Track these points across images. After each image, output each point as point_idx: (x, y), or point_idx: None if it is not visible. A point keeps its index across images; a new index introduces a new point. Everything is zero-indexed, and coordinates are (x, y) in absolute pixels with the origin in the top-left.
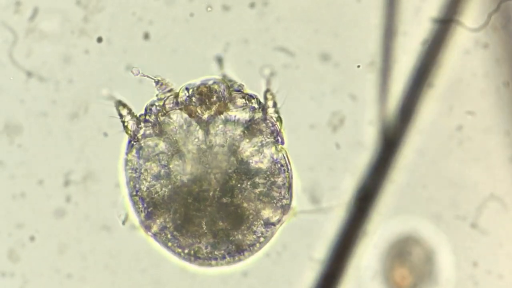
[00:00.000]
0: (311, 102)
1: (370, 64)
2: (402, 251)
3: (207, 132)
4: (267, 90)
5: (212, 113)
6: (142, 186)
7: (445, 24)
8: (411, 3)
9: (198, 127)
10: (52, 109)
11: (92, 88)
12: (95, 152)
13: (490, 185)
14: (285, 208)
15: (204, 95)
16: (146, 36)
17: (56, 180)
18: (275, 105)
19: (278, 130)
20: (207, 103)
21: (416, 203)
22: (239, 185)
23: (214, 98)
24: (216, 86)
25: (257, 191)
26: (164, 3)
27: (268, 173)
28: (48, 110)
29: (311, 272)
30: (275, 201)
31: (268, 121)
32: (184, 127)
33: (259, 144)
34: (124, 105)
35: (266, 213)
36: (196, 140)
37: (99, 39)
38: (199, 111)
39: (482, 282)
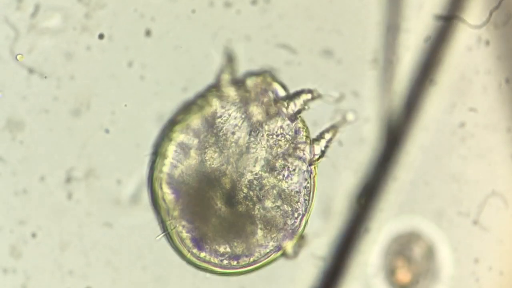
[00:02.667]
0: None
1: (373, 61)
2: (404, 247)
3: (252, 134)
4: (334, 127)
5: (261, 107)
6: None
7: (447, 21)
8: (414, 0)
9: (244, 124)
10: (53, 105)
11: (93, 84)
12: (97, 149)
13: (492, 181)
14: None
15: (261, 83)
16: (148, 32)
17: (58, 177)
18: (329, 142)
19: (313, 163)
20: (261, 96)
21: (419, 200)
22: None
23: (268, 91)
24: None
25: (267, 209)
26: (166, 0)
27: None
28: (50, 106)
29: (314, 269)
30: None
31: (310, 150)
32: (234, 120)
33: (293, 165)
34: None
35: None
36: (238, 137)
37: (101, 36)
38: (252, 99)
39: (483, 279)
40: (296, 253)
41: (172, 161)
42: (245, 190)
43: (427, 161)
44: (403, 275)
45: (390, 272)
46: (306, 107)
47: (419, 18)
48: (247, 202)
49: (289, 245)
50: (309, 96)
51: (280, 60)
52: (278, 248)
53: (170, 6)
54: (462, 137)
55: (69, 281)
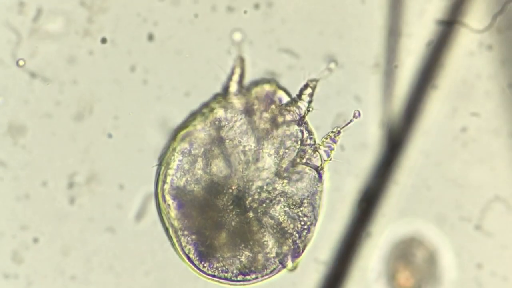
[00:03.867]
0: (316, 103)
1: (375, 66)
2: (406, 252)
3: (259, 142)
4: (337, 132)
5: (268, 117)
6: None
7: (449, 26)
8: (416, 4)
9: (250, 132)
10: (56, 110)
11: (96, 89)
12: (99, 154)
13: (494, 186)
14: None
15: (266, 91)
16: (151, 37)
17: (60, 182)
18: (332, 144)
19: (322, 168)
20: (266, 104)
21: (420, 205)
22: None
23: (273, 99)
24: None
25: (275, 219)
26: (169, 4)
27: (297, 200)
28: (52, 111)
29: (316, 274)
30: (287, 236)
31: (317, 155)
32: (240, 126)
33: (302, 171)
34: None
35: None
36: (244, 146)
37: (104, 40)
38: (257, 107)
39: (486, 284)
40: (295, 267)
41: (177, 171)
42: (254, 199)
43: (429, 166)
44: (405, 280)
45: (392, 277)
46: (311, 108)
47: (421, 23)
48: (257, 211)
49: (290, 260)
50: (309, 90)
51: (283, 64)
52: (283, 263)
53: (173, 11)
54: (464, 142)
55: (71, 287)
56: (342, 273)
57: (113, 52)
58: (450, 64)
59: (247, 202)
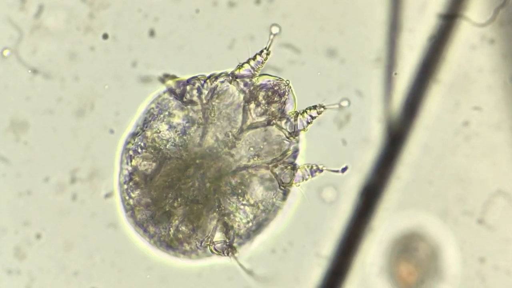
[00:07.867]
0: (317, 98)
1: (376, 61)
2: (408, 247)
3: (241, 130)
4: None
5: (265, 113)
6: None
7: (451, 20)
8: None
9: (239, 119)
10: (57, 106)
11: (97, 85)
12: (101, 150)
13: (497, 180)
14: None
15: (278, 91)
16: (152, 33)
17: (62, 178)
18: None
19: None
20: (272, 99)
21: (422, 199)
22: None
23: (281, 101)
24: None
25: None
26: (170, 0)
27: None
28: (54, 107)
29: (318, 268)
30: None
31: (298, 168)
32: (229, 109)
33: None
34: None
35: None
36: (228, 128)
37: (105, 36)
38: (258, 97)
39: (489, 278)
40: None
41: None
42: (216, 183)
43: (431, 160)
44: (408, 275)
45: (394, 272)
46: (307, 128)
47: (423, 17)
48: (213, 194)
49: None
50: (314, 112)
51: (284, 59)
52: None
53: (174, 6)
54: (466, 136)
55: (74, 282)
56: (344, 268)
57: (114, 48)
58: (452, 58)
59: (208, 182)
